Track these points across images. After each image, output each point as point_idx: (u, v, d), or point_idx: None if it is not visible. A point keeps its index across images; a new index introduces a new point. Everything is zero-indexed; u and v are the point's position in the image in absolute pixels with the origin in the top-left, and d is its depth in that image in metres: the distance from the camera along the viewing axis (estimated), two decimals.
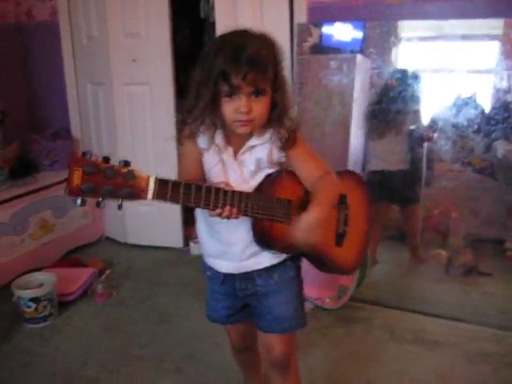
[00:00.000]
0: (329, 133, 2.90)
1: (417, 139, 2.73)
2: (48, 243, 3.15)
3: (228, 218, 1.24)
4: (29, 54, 3.66)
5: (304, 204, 1.36)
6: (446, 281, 2.75)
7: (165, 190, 1.15)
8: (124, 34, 3.16)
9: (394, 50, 2.75)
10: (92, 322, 2.58)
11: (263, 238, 1.36)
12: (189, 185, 1.17)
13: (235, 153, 1.37)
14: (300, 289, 1.54)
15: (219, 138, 1.36)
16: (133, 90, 3.23)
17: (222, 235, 1.42)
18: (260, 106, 1.28)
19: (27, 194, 3.01)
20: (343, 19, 2.76)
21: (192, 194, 1.17)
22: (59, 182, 3.23)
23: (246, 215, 1.28)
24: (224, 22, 2.92)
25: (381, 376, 2.12)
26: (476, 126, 2.60)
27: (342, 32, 2.78)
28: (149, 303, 2.74)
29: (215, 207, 1.21)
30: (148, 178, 1.13)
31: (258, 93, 1.26)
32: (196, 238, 3.36)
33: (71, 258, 3.20)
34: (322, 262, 1.50)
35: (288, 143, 1.35)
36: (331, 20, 2.77)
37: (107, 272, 2.95)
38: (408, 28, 2.71)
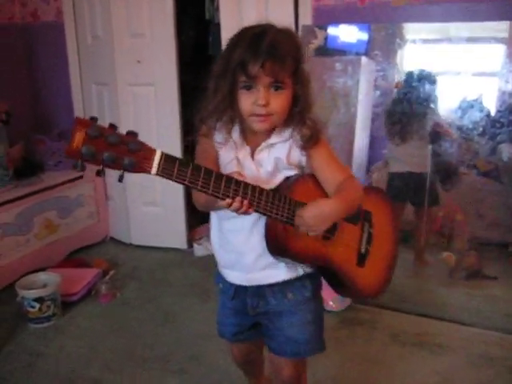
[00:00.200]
0: (333, 135, 2.89)
1: (437, 139, 2.71)
2: (52, 243, 3.16)
3: (237, 211, 1.15)
4: (34, 54, 3.67)
5: None
6: (450, 284, 2.75)
7: (171, 166, 1.07)
8: (129, 35, 3.17)
9: (399, 53, 2.75)
10: (96, 322, 2.58)
11: (276, 243, 1.26)
12: (199, 166, 1.10)
13: (252, 151, 1.30)
14: (318, 311, 1.45)
15: (236, 135, 1.29)
16: (137, 90, 3.23)
17: (235, 244, 1.35)
18: (280, 100, 1.21)
19: (32, 194, 3.02)
20: (348, 21, 2.76)
21: (200, 176, 1.09)
22: (64, 183, 3.24)
23: (258, 211, 1.18)
24: (229, 23, 2.92)
25: (384, 379, 2.12)
26: (481, 129, 2.59)
27: (347, 34, 2.77)
28: (153, 304, 2.74)
29: (225, 196, 1.13)
30: (155, 150, 1.06)
31: (277, 85, 1.19)
32: (200, 239, 3.38)
33: (75, 259, 3.21)
34: (339, 282, 1.38)
35: (310, 142, 1.27)
36: (336, 22, 2.77)
37: (111, 272, 2.95)
38: (413, 30, 2.70)
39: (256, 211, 1.18)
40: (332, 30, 2.78)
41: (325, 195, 1.30)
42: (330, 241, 1.31)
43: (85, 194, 3.41)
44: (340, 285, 1.40)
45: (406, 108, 2.70)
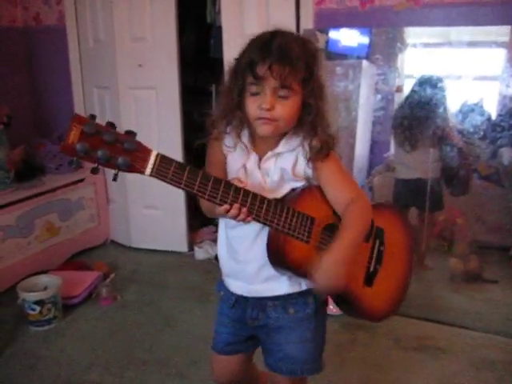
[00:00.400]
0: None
1: (445, 144, 2.71)
2: (53, 246, 3.16)
3: (235, 218, 1.14)
4: (36, 57, 3.68)
5: (330, 227, 1.25)
6: (452, 288, 2.74)
7: (167, 168, 1.06)
8: (130, 39, 3.18)
9: (399, 57, 2.75)
10: (96, 325, 2.58)
11: (277, 255, 1.22)
12: (196, 170, 1.09)
13: (260, 160, 1.27)
14: (319, 330, 1.39)
15: (245, 139, 1.27)
16: (139, 94, 3.24)
17: (239, 252, 1.32)
18: (286, 106, 1.17)
19: (33, 196, 3.02)
20: (349, 25, 2.76)
21: (197, 180, 1.09)
22: (65, 185, 3.25)
23: (258, 220, 1.17)
24: (230, 26, 2.93)
25: (385, 383, 2.11)
26: (482, 133, 2.59)
27: (348, 38, 2.78)
28: (153, 307, 2.74)
29: (223, 202, 1.12)
30: (151, 151, 1.06)
31: (284, 90, 1.16)
32: (200, 242, 3.38)
33: (76, 261, 3.21)
34: (344, 300, 1.32)
35: (319, 155, 1.23)
36: (338, 26, 2.78)
37: (112, 275, 2.95)
38: (414, 34, 2.71)
39: (256, 220, 1.17)
40: (333, 34, 2.78)
41: (331, 208, 1.26)
42: None
43: (86, 196, 3.41)
44: (345, 303, 1.34)
45: (417, 114, 2.69)
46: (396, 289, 1.41)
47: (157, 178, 1.07)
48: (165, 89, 3.19)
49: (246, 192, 1.14)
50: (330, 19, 2.80)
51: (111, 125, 1.04)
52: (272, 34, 1.18)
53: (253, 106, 1.19)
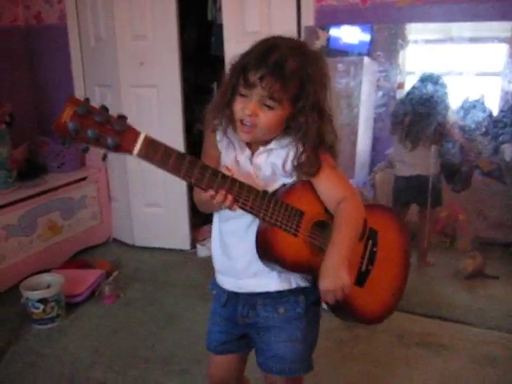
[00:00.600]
0: None
1: (448, 141, 2.71)
2: (56, 244, 3.17)
3: (221, 204, 1.15)
4: (37, 56, 3.68)
5: (322, 224, 1.25)
6: (453, 284, 2.75)
7: (154, 150, 1.10)
8: (132, 37, 3.18)
9: (401, 53, 2.75)
10: (99, 323, 2.59)
11: (264, 247, 1.23)
12: (184, 155, 1.12)
13: (252, 155, 1.28)
14: (309, 329, 1.38)
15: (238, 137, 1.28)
16: (140, 92, 3.24)
17: (230, 249, 1.33)
18: (268, 116, 1.18)
19: (36, 195, 3.03)
20: (351, 22, 2.76)
21: (184, 165, 1.12)
22: (67, 184, 3.25)
23: (244, 209, 1.17)
24: (231, 24, 2.93)
25: (387, 379, 2.12)
26: (484, 129, 2.59)
27: (349, 35, 2.78)
28: (156, 305, 2.75)
29: (208, 188, 1.14)
30: (139, 133, 1.10)
31: (271, 100, 1.16)
32: (203, 239, 3.38)
33: (79, 260, 3.22)
34: (334, 304, 1.27)
35: (306, 171, 1.23)
36: (339, 23, 2.77)
37: (115, 273, 2.96)
38: (415, 30, 2.70)
39: (242, 208, 1.17)
40: (334, 31, 2.78)
41: (323, 205, 1.27)
42: (324, 252, 1.24)
43: (88, 195, 3.42)
44: (335, 305, 1.29)
45: (417, 111, 2.69)
46: (389, 291, 1.39)
47: (144, 159, 1.10)
48: (166, 87, 3.19)
49: (233, 180, 1.15)
50: (330, 16, 2.79)
51: (104, 108, 1.08)
52: (273, 45, 1.18)
53: (238, 107, 1.20)
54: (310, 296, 1.33)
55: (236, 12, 2.92)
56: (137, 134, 1.10)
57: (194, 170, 1.13)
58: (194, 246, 3.40)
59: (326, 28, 2.77)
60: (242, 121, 1.20)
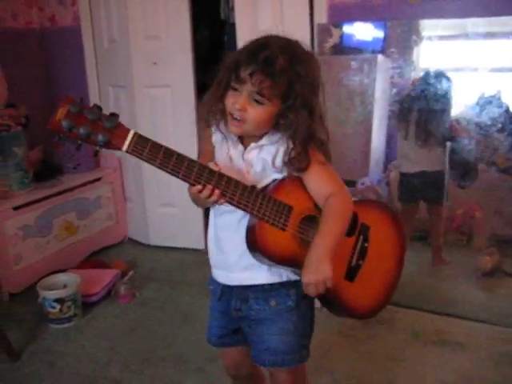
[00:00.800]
0: (350, 133, 2.89)
1: (449, 138, 2.69)
2: (72, 245, 3.20)
3: (208, 198, 1.19)
4: (52, 58, 3.71)
5: (311, 218, 1.27)
6: (470, 282, 2.72)
7: (143, 146, 1.15)
8: (145, 37, 3.19)
9: (415, 50, 2.72)
10: (115, 322, 2.60)
11: (253, 241, 1.25)
12: (171, 151, 1.17)
13: (244, 151, 1.32)
14: (301, 321, 1.40)
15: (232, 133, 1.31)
16: (154, 92, 3.26)
17: (223, 243, 1.37)
18: (256, 112, 1.22)
19: (51, 196, 3.06)
20: (364, 19, 2.74)
21: (172, 160, 1.17)
22: (83, 184, 3.28)
23: (231, 203, 1.21)
24: (244, 23, 2.93)
25: (404, 377, 2.11)
26: (500, 125, 2.56)
27: (362, 32, 2.76)
28: (171, 304, 2.76)
29: (196, 182, 1.18)
30: (129, 130, 1.15)
31: (258, 97, 1.20)
32: None
33: (95, 260, 3.24)
34: (324, 297, 1.30)
35: (296, 166, 1.26)
36: (352, 20, 2.76)
37: (130, 273, 2.97)
38: (429, 27, 2.67)
39: (229, 203, 1.21)
40: (347, 28, 2.76)
41: (312, 200, 1.28)
42: None
43: (103, 195, 3.44)
44: (323, 297, 1.31)
45: (423, 108, 2.68)
46: (381, 285, 1.40)
47: (133, 154, 1.16)
48: (180, 87, 3.20)
49: (221, 175, 1.19)
50: (343, 13, 2.78)
51: (97, 107, 1.14)
52: (265, 43, 1.21)
53: (230, 101, 1.24)
54: (300, 289, 1.31)
55: (249, 11, 2.92)
56: (126, 131, 1.15)
57: (181, 166, 1.17)
58: None
59: (338, 25, 2.76)
60: (232, 115, 1.24)
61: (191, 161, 1.18)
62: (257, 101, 1.21)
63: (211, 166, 1.20)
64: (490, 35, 2.53)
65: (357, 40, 2.77)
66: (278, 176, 1.28)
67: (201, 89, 3.24)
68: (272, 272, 1.33)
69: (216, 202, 1.21)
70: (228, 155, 1.32)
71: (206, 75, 1.36)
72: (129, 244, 3.63)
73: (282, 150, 1.27)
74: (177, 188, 3.27)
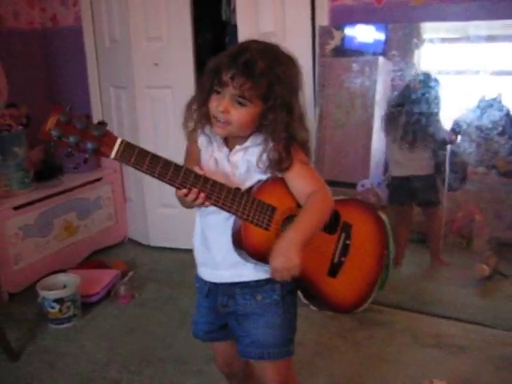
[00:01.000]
0: (351, 136, 2.89)
1: (440, 142, 2.70)
2: (72, 245, 3.20)
3: (193, 202, 1.24)
4: (53, 58, 3.71)
5: (293, 218, 1.30)
6: (469, 285, 2.71)
7: (130, 153, 1.19)
8: (146, 38, 3.19)
9: (416, 52, 2.72)
10: (115, 323, 2.60)
11: (238, 240, 1.30)
12: (157, 157, 1.21)
13: (229, 153, 1.35)
14: (287, 315, 1.43)
15: (218, 136, 1.35)
16: (155, 93, 3.26)
17: (210, 242, 1.40)
18: (239, 114, 1.26)
19: (52, 196, 3.06)
20: (365, 21, 2.74)
21: (159, 166, 1.21)
22: (83, 185, 3.28)
23: (216, 206, 1.26)
24: (245, 24, 2.93)
25: (402, 380, 2.11)
26: (500, 128, 2.56)
27: (364, 34, 2.76)
28: (171, 305, 2.76)
29: (182, 187, 1.22)
30: (116, 138, 1.19)
31: (240, 99, 1.25)
32: None
33: (95, 260, 3.24)
34: (306, 289, 1.39)
35: (276, 167, 1.29)
36: (353, 22, 2.76)
37: (130, 274, 2.97)
38: (431, 29, 2.68)
39: (214, 205, 1.25)
40: (349, 31, 2.77)
41: (295, 200, 1.32)
42: None
43: (103, 195, 3.44)
44: (307, 291, 1.40)
45: (410, 111, 2.68)
46: (363, 281, 1.44)
47: (121, 161, 1.20)
48: (181, 88, 3.20)
49: (206, 178, 1.24)
50: (345, 15, 2.78)
51: (86, 116, 1.18)
52: (244, 47, 1.26)
53: (213, 104, 1.28)
54: (285, 285, 1.37)
55: (250, 13, 2.92)
56: (114, 139, 1.19)
57: (167, 171, 1.21)
58: None
59: (340, 27, 2.76)
60: (216, 117, 1.29)
61: (177, 166, 1.23)
62: (239, 103, 1.26)
63: (196, 170, 1.24)
64: (491, 38, 2.53)
65: (358, 42, 2.78)
66: (262, 177, 1.32)
67: None
68: (258, 269, 1.36)
69: (202, 205, 1.25)
70: (213, 158, 1.36)
71: None
72: (129, 244, 3.63)
73: (264, 151, 1.31)
74: None
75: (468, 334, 2.41)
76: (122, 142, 1.19)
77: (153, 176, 1.21)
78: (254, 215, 1.26)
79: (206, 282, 1.47)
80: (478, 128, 2.59)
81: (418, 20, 2.66)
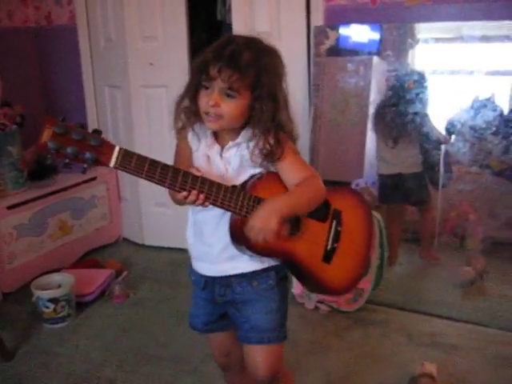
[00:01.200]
0: (345, 135, 2.90)
1: (432, 142, 2.71)
2: (66, 244, 3.19)
3: (194, 203, 1.26)
4: (47, 57, 3.70)
5: None
6: (464, 284, 2.73)
7: (129, 161, 1.19)
8: (141, 38, 3.19)
9: (410, 52, 2.73)
10: (110, 322, 2.60)
11: (237, 235, 1.32)
12: (156, 162, 1.21)
13: (222, 150, 1.37)
14: (282, 299, 1.48)
15: (208, 133, 1.38)
16: (150, 92, 3.25)
17: (205, 236, 1.42)
18: (230, 106, 1.28)
19: (46, 195, 3.05)
20: (360, 21, 2.75)
21: (157, 171, 1.21)
22: (77, 184, 3.27)
23: (215, 205, 1.28)
24: (241, 24, 2.93)
25: (398, 379, 2.11)
26: (494, 128, 2.57)
27: (358, 34, 2.77)
28: (166, 304, 2.76)
29: (181, 189, 1.24)
30: (114, 146, 1.18)
31: (229, 92, 1.26)
32: None
33: (89, 260, 3.23)
34: (304, 277, 1.45)
35: (268, 157, 1.32)
36: (348, 22, 2.77)
37: (124, 273, 2.97)
38: (425, 30, 2.69)
39: (213, 204, 1.27)
40: (344, 30, 2.77)
41: (286, 191, 1.35)
42: (294, 236, 1.37)
43: (98, 195, 3.44)
44: (304, 278, 1.46)
45: (398, 110, 2.70)
46: (355, 264, 1.51)
47: (120, 169, 1.20)
48: (176, 87, 3.17)
49: (204, 179, 1.25)
50: (340, 15, 2.79)
51: (80, 125, 1.16)
52: (229, 40, 1.29)
53: (203, 100, 1.30)
54: (279, 271, 1.45)
55: (245, 12, 2.92)
56: (112, 147, 1.18)
57: (166, 175, 1.22)
58: None
59: (335, 27, 2.77)
60: (207, 113, 1.29)
61: (175, 169, 1.24)
62: (228, 95, 1.27)
63: (193, 171, 1.26)
64: (485, 39, 2.55)
65: (353, 42, 2.78)
66: (255, 170, 1.35)
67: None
68: (254, 260, 1.40)
69: (201, 205, 1.27)
70: (205, 155, 1.38)
71: None
72: (123, 244, 3.62)
73: (257, 144, 1.32)
74: None
75: (463, 333, 2.42)
76: (120, 150, 1.19)
77: (152, 181, 1.22)
78: (252, 211, 1.28)
79: (202, 275, 1.49)
80: (472, 128, 2.61)
81: (412, 20, 2.67)
